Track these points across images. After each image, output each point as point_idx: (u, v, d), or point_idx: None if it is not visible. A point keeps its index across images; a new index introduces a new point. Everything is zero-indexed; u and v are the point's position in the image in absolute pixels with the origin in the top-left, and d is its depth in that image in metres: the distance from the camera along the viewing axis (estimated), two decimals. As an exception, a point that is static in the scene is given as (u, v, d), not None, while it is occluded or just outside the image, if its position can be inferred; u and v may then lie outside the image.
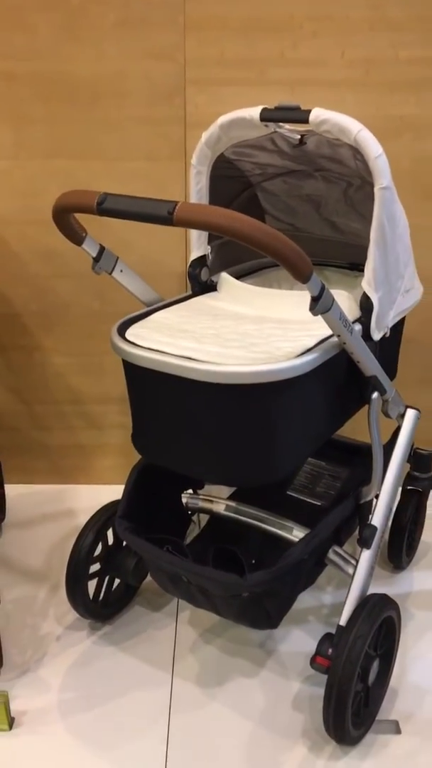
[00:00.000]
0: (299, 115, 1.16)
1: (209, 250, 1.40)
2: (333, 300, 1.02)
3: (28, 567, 1.67)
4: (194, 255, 1.38)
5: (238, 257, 1.49)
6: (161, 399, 1.14)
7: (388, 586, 1.62)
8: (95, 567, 1.45)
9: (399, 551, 1.63)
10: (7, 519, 1.85)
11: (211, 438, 1.13)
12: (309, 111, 1.17)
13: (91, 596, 1.46)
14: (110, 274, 1.23)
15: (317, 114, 1.15)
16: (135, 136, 1.70)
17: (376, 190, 1.13)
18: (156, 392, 1.14)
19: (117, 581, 1.50)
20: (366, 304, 1.19)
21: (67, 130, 1.69)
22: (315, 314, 1.01)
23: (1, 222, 1.74)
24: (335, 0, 1.58)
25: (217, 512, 1.46)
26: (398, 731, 1.28)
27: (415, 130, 1.68)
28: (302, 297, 1.25)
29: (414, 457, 1.62)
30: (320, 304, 1.00)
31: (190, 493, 1.49)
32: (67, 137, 1.69)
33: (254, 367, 1.04)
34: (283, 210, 1.47)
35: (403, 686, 1.37)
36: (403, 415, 1.40)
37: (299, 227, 1.48)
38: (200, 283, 1.39)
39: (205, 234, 1.37)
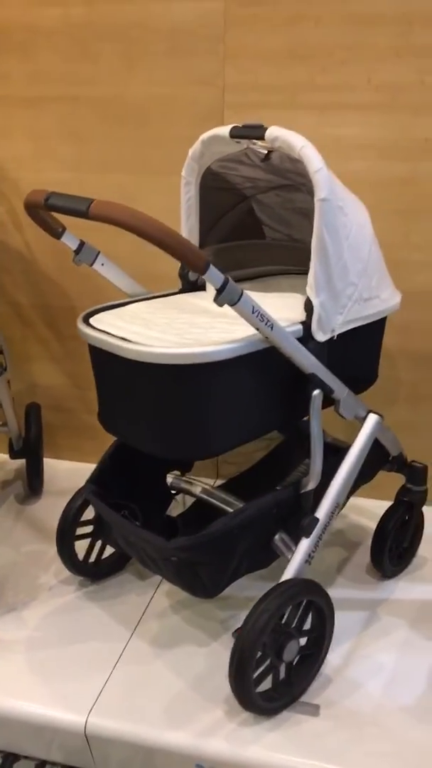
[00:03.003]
0: (259, 133, 1.29)
1: (207, 254, 1.55)
2: (241, 294, 1.14)
3: (50, 528, 1.87)
4: (185, 257, 1.53)
5: (240, 263, 1.62)
6: (108, 376, 1.31)
7: (367, 590, 1.67)
8: (88, 529, 1.64)
9: (380, 557, 1.66)
10: (50, 488, 2.08)
11: (146, 413, 1.28)
12: (266, 129, 1.29)
13: (82, 556, 1.64)
14: (91, 266, 1.42)
15: (271, 131, 1.27)
16: (179, 153, 1.87)
17: (315, 201, 1.23)
18: (103, 369, 1.31)
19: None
20: (308, 306, 1.29)
21: (120, 148, 1.91)
22: (219, 304, 1.13)
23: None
24: (363, 29, 1.68)
25: (194, 493, 1.59)
26: (316, 714, 1.34)
27: (440, 153, 1.73)
28: (276, 299, 1.38)
29: (408, 469, 1.67)
30: (223, 295, 1.12)
31: (175, 474, 1.64)
32: (121, 153, 1.91)
33: (168, 350, 1.17)
34: (278, 221, 1.59)
35: (340, 677, 1.42)
36: (363, 419, 1.46)
37: (295, 238, 1.59)
38: (188, 282, 1.54)
39: (195, 238, 1.52)
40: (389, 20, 1.66)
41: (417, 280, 1.82)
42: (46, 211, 1.18)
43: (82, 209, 1.07)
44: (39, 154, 1.96)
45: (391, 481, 1.69)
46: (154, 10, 1.77)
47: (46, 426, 2.14)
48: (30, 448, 2.00)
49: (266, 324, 1.19)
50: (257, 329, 1.20)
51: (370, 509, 1.86)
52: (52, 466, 2.16)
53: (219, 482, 1.85)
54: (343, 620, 1.55)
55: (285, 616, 1.30)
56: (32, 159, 1.97)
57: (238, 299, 1.14)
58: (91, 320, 1.33)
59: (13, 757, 1.43)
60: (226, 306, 1.15)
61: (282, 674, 1.33)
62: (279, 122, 1.70)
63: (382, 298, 1.42)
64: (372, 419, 1.46)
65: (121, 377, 1.28)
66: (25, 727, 1.37)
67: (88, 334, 1.29)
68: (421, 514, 1.73)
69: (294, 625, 1.32)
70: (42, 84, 1.90)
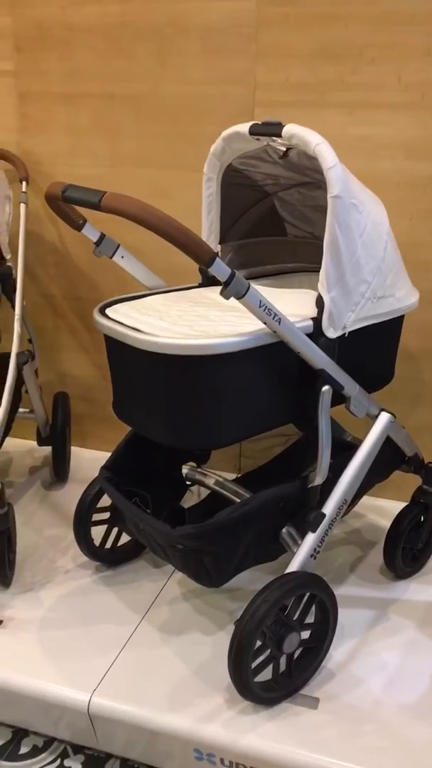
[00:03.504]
0: (276, 130, 1.31)
1: (228, 250, 1.58)
2: (248, 287, 1.16)
3: (72, 514, 1.91)
4: (203, 251, 1.56)
5: (260, 260, 1.65)
6: (120, 365, 1.35)
7: (378, 590, 1.67)
8: (105, 515, 1.68)
9: (393, 557, 1.66)
10: (75, 475, 2.14)
11: (155, 402, 1.31)
12: (283, 126, 1.30)
13: (99, 541, 1.69)
14: (111, 258, 1.45)
15: (288, 129, 1.29)
16: (210, 149, 1.90)
17: (329, 198, 1.24)
18: (116, 359, 1.35)
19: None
20: (319, 303, 1.30)
21: (153, 144, 1.94)
22: (226, 297, 1.15)
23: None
24: (393, 28, 1.68)
25: (207, 484, 1.61)
26: (315, 707, 1.36)
27: (469, 152, 1.72)
28: (291, 295, 1.40)
29: (425, 471, 1.67)
30: (230, 288, 1.14)
31: (191, 466, 1.66)
32: (153, 150, 1.95)
33: (175, 341, 1.20)
34: (300, 218, 1.60)
35: (343, 672, 1.43)
36: (375, 417, 1.47)
37: (317, 235, 1.60)
38: (207, 276, 1.57)
39: (215, 233, 1.55)
40: (420, 20, 1.65)
41: (442, 280, 1.81)
42: (64, 203, 1.22)
43: (94, 201, 1.11)
44: (74, 150, 2.01)
45: (415, 482, 1.69)
46: (188, 9, 1.80)
47: (74, 415, 2.19)
48: (56, 436, 2.05)
49: (274, 318, 1.21)
50: (265, 323, 1.22)
51: (390, 510, 1.84)
52: (78, 454, 2.21)
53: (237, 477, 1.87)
54: (351, 617, 1.57)
55: (287, 609, 1.32)
56: (68, 154, 2.02)
57: (245, 293, 1.16)
58: (107, 311, 1.37)
59: (22, 733, 1.48)
60: (234, 300, 1.17)
61: (283, 666, 1.35)
62: (308, 120, 1.71)
63: (398, 297, 1.43)
64: (384, 417, 1.46)
65: (132, 367, 1.32)
66: (33, 703, 1.42)
67: (101, 323, 1.32)
68: (437, 516, 1.73)
69: (296, 617, 1.34)
70: (79, 81, 1.95)
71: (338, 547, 1.83)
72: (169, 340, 1.21)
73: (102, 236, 1.42)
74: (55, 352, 2.24)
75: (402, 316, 1.51)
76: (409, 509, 1.68)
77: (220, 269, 1.13)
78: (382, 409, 1.48)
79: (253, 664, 1.30)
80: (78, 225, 1.38)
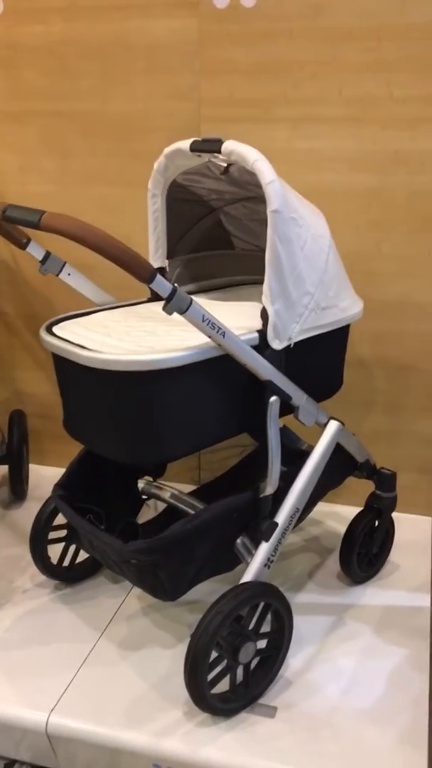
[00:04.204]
0: (216, 146, 1.33)
1: (176, 264, 1.60)
2: (190, 302, 1.17)
3: (30, 533, 1.93)
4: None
5: (209, 273, 1.66)
6: (68, 382, 1.35)
7: (336, 596, 1.69)
8: (63, 533, 1.68)
9: (349, 562, 1.68)
10: (34, 493, 2.13)
11: (102, 418, 1.31)
12: (222, 142, 1.32)
13: (57, 559, 1.68)
14: (57, 275, 1.46)
15: (227, 145, 1.31)
16: (155, 166, 1.93)
17: (268, 212, 1.26)
18: (64, 376, 1.36)
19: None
20: (264, 315, 1.32)
21: (103, 161, 1.95)
22: (169, 313, 1.17)
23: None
24: (333, 45, 1.71)
25: (163, 498, 1.62)
26: (273, 716, 1.37)
27: (410, 165, 1.76)
28: (239, 307, 1.41)
29: (377, 476, 1.69)
30: (171, 304, 1.16)
31: (146, 480, 1.67)
32: (103, 167, 1.96)
33: (118, 357, 1.21)
34: (246, 232, 1.62)
35: (300, 680, 1.45)
36: (324, 425, 1.49)
37: (263, 248, 1.61)
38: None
39: (162, 248, 1.56)
40: (359, 35, 1.69)
41: (389, 289, 1.85)
42: (5, 222, 1.22)
43: (33, 221, 1.12)
44: (24, 168, 2.02)
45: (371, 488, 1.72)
46: (132, 28, 1.82)
47: (32, 433, 2.18)
48: (13, 455, 2.04)
49: (218, 332, 1.22)
50: (209, 337, 1.23)
51: (347, 516, 1.86)
52: (37, 471, 2.20)
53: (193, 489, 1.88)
54: (308, 624, 1.59)
55: (242, 619, 1.33)
56: (17, 172, 2.03)
57: (187, 308, 1.18)
58: (54, 328, 1.37)
59: (-18, 756, 1.47)
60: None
61: (240, 676, 1.36)
62: (254, 135, 1.74)
63: (341, 307, 1.45)
64: (333, 426, 1.48)
65: (79, 384, 1.32)
66: (-9, 725, 1.41)
67: (47, 341, 1.33)
68: (391, 521, 1.75)
69: (251, 627, 1.35)
70: (25, 99, 1.95)
71: (297, 555, 1.85)
72: (112, 356, 1.22)
73: (47, 254, 1.43)
74: (10, 370, 2.24)
75: (347, 326, 1.54)
76: (362, 515, 1.70)
77: (161, 285, 1.14)
78: (331, 417, 1.50)
79: (210, 676, 1.31)
80: (22, 244, 1.39)
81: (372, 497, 1.71)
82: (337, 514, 2.00)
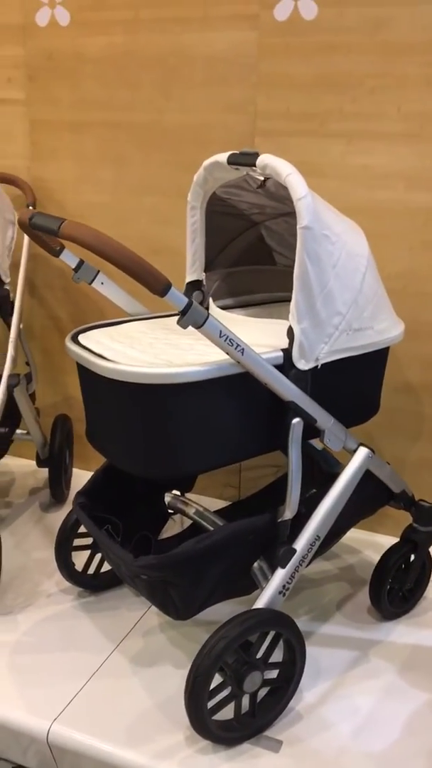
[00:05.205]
0: (252, 160, 1.30)
1: (215, 278, 1.57)
2: (206, 317, 1.15)
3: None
4: (188, 279, 1.56)
5: (249, 288, 1.63)
6: (90, 393, 1.34)
7: (362, 630, 1.62)
8: (89, 540, 1.68)
9: (379, 596, 1.61)
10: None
11: (119, 430, 1.30)
12: (258, 155, 1.29)
13: (82, 567, 1.68)
14: (90, 284, 1.46)
15: (262, 159, 1.28)
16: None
17: (298, 229, 1.23)
18: (86, 386, 1.35)
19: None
20: (290, 334, 1.28)
21: (157, 171, 1.96)
22: (183, 326, 1.14)
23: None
24: (393, 59, 1.66)
25: (188, 514, 1.59)
26: (277, 750, 1.31)
27: (469, 182, 1.68)
28: (269, 325, 1.38)
29: (415, 508, 1.62)
30: (186, 317, 1.13)
31: (173, 494, 1.65)
32: (156, 177, 1.96)
33: (135, 369, 1.20)
34: (288, 247, 1.58)
35: (311, 715, 1.39)
36: (353, 452, 1.43)
37: (304, 265, 1.57)
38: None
39: (200, 261, 1.54)
40: (420, 49, 1.63)
41: (443, 313, 1.77)
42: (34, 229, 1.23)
43: (54, 228, 1.12)
44: (81, 177, 2.04)
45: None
46: (191, 40, 1.82)
47: (77, 437, 2.20)
48: (54, 458, 2.06)
49: (236, 348, 1.19)
50: (227, 353, 1.20)
51: (387, 547, 1.80)
52: (81, 476, 2.21)
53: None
54: (329, 657, 1.52)
55: (251, 646, 1.28)
56: (75, 181, 2.06)
57: (204, 322, 1.15)
58: (80, 337, 1.37)
59: (-9, 758, 1.47)
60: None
61: (246, 705, 1.31)
62: (308, 149, 1.72)
63: (378, 330, 1.39)
64: (361, 453, 1.42)
65: (99, 394, 1.31)
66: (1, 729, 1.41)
67: (70, 349, 1.33)
68: (429, 555, 1.67)
69: (259, 656, 1.30)
70: (86, 110, 1.98)
71: (328, 583, 1.79)
72: (127, 367, 1.20)
73: (81, 262, 1.43)
74: (61, 374, 2.26)
75: (386, 349, 1.47)
76: (397, 547, 1.62)
77: (176, 299, 1.12)
78: (361, 444, 1.44)
79: (212, 702, 1.27)
80: (55, 251, 1.40)
81: (409, 529, 1.63)
82: (378, 544, 1.91)
